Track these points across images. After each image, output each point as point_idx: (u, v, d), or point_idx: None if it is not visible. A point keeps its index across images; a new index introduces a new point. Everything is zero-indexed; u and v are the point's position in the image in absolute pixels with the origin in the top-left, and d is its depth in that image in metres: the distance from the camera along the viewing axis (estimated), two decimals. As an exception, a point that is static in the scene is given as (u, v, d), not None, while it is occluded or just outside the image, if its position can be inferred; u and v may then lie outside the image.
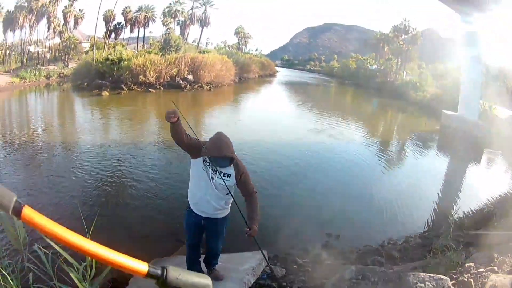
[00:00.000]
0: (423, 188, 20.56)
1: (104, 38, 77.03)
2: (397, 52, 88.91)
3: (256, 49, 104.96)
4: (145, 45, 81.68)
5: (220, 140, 6.27)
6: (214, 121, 33.42)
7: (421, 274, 5.87)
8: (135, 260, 1.58)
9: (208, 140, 6.54)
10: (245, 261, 8.51)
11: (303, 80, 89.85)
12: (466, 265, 7.03)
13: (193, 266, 7.40)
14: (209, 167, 6.41)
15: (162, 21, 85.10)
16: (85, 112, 36.85)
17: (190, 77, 54.29)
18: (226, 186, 6.42)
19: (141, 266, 1.58)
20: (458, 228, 13.98)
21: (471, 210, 17.43)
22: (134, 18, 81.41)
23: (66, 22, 74.64)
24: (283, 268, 10.25)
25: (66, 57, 68.97)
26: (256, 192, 6.71)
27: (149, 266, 1.59)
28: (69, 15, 74.42)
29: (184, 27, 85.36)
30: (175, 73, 53.36)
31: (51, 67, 61.10)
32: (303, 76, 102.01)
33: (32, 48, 70.93)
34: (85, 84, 49.73)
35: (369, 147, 29.49)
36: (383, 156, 27.41)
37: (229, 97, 52.99)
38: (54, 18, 72.24)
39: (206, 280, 1.73)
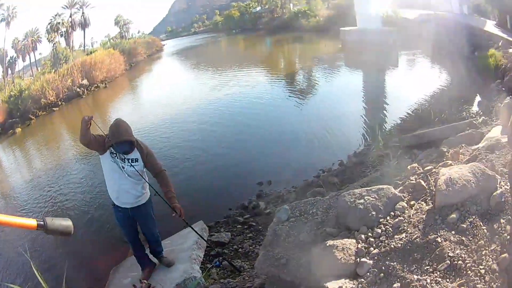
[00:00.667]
0: (346, 107, 20.41)
1: (3, 77, 74.79)
2: None
3: (139, 31, 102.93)
4: (39, 68, 79.90)
5: (117, 125, 6.47)
6: (120, 115, 31.98)
7: (357, 190, 5.55)
8: (27, 219, 2.28)
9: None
10: (187, 237, 8.65)
11: (191, 45, 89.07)
12: (409, 167, 6.73)
13: (142, 260, 7.55)
14: (117, 158, 6.56)
15: (47, 38, 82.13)
16: (7, 156, 34.48)
17: (85, 81, 52.61)
18: (137, 171, 6.61)
19: (32, 222, 2.30)
20: (392, 135, 14.16)
21: (405, 114, 17.49)
22: (23, 46, 79.18)
23: (-38, 76, 71.74)
24: (228, 232, 10.14)
25: (-26, 110, 65.72)
26: (164, 170, 6.97)
27: (36, 221, 2.33)
28: (-37, 67, 71.79)
29: (67, 36, 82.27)
30: (70, 83, 51.33)
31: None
32: (190, 40, 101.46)
33: None
34: (0, 129, 47.29)
35: (277, 84, 29.33)
36: (293, 89, 27.37)
37: (125, 87, 52.30)
38: (-49, 77, 69.33)
39: (67, 221, 2.58)
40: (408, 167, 6.70)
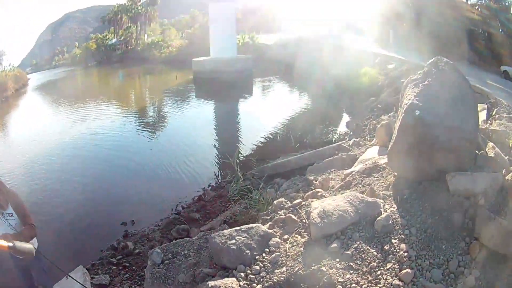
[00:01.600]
0: (201, 139, 20.33)
1: None
2: (136, 19, 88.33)
3: (9, 64, 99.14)
4: None
5: None
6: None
7: (226, 231, 5.82)
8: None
9: None
10: (71, 283, 7.89)
11: (50, 79, 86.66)
12: (275, 202, 6.89)
13: None
14: None
15: None
16: None
17: None
18: (17, 224, 6.17)
19: (3, 243, 3.36)
20: (251, 166, 14.06)
21: (263, 143, 17.63)
22: None
23: None
24: (106, 274, 9.71)
25: None
26: (34, 225, 6.35)
27: (7, 242, 3.40)
28: None
29: None
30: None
31: None
32: (51, 74, 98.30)
33: None
34: None
35: (131, 119, 28.61)
36: (147, 123, 26.92)
37: None
38: None
39: (30, 245, 3.96)
40: (275, 201, 6.85)
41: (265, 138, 17.99)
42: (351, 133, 16.26)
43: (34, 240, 6.45)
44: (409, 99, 5.47)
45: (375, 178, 6.28)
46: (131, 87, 48.89)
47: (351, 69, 23.21)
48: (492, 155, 6.01)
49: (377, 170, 6.50)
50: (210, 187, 14.11)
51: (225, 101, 28.52)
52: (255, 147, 17.45)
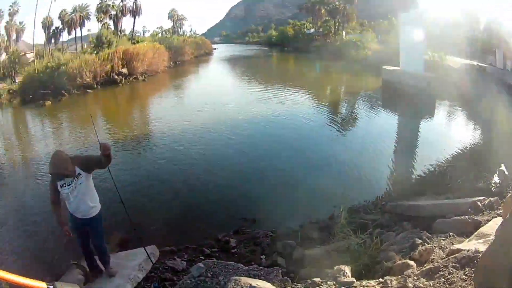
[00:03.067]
0: (372, 153, 19.46)
1: (45, 45, 75.88)
2: (334, 13, 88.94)
3: (191, 30, 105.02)
4: (86, 44, 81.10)
5: (54, 159, 7.01)
6: (152, 111, 31.71)
7: (243, 279, 5.41)
8: (37, 281, 2.31)
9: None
10: (132, 258, 9.16)
11: (242, 54, 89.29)
12: (334, 268, 6.13)
13: (91, 263, 8.23)
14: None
15: (96, 18, 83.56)
16: (35, 127, 34.31)
17: (124, 70, 53.34)
18: (83, 180, 7.26)
19: (41, 285, 2.32)
20: (393, 197, 13.36)
21: (421, 171, 16.44)
22: (70, 19, 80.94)
23: (9, 37, 73.17)
24: (186, 261, 9.81)
25: (13, 72, 66.19)
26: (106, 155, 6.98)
27: (46, 285, 2.35)
28: (11, 29, 73.27)
29: (116, 20, 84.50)
30: (109, 69, 52.33)
31: (1, 85, 58.16)
32: (242, 49, 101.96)
33: (-18, 70, 68.45)
34: (31, 96, 46.14)
35: (311, 112, 28.67)
36: (324, 121, 26.69)
37: (165, 84, 52.28)
38: (-2, 35, 70.99)
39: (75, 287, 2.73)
40: (334, 268, 6.16)
41: (425, 167, 16.73)
42: (499, 184, 13.43)
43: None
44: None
45: (463, 277, 4.83)
46: (325, 80, 49.67)
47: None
48: None
49: (473, 264, 4.95)
50: (355, 207, 12.88)
51: (406, 117, 27.83)
52: (412, 174, 16.53)
